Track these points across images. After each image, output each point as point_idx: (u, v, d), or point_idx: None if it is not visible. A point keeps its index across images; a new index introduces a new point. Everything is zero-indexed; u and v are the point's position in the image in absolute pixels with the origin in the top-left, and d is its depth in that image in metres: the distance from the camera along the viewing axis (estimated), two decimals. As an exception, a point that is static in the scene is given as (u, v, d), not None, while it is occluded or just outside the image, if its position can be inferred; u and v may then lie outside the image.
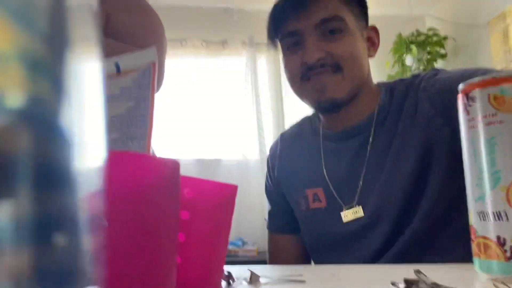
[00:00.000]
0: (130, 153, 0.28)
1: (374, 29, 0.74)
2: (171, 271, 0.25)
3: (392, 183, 0.65)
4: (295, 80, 0.70)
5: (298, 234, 0.77)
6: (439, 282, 0.35)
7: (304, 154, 0.76)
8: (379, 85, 0.73)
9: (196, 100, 2.68)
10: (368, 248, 0.66)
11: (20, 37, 0.08)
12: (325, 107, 0.69)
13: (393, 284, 0.37)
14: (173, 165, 0.25)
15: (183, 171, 0.26)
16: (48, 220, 0.08)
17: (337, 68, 0.66)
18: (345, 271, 0.51)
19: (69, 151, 0.09)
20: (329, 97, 0.67)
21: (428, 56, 2.66)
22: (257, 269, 0.46)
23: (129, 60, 0.32)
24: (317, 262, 0.76)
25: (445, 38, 2.67)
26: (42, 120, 0.08)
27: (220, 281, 0.38)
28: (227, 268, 0.43)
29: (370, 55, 0.72)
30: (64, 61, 0.09)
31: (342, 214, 0.68)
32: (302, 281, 0.42)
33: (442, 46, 2.67)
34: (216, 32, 2.76)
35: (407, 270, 0.40)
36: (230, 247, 2.43)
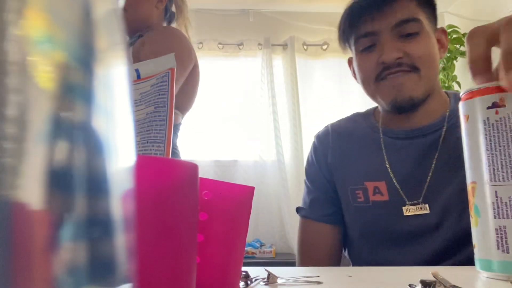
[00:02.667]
0: (151, 156, 0.28)
1: (443, 31, 0.75)
2: (191, 271, 0.25)
3: (464, 188, 0.66)
4: (370, 80, 0.72)
5: (338, 225, 0.77)
6: (459, 285, 0.35)
7: (362, 148, 0.77)
8: (446, 92, 0.76)
9: (212, 102, 2.70)
10: (428, 249, 0.66)
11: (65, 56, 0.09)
12: (402, 105, 0.70)
13: (410, 286, 0.37)
14: (192, 168, 0.26)
15: (201, 173, 0.27)
16: (95, 220, 0.09)
17: (414, 68, 0.68)
18: (362, 272, 0.50)
19: (110, 158, 0.10)
20: (407, 95, 0.69)
21: (448, 54, 2.61)
22: (274, 269, 0.46)
23: (149, 66, 0.33)
24: (365, 255, 0.75)
25: (464, 35, 2.61)
26: (91, 131, 0.09)
27: (238, 282, 0.39)
28: (244, 268, 0.43)
29: (440, 57, 0.74)
30: (97, 68, 0.10)
31: (404, 208, 0.69)
32: (320, 282, 0.42)
33: (462, 43, 2.62)
34: (232, 34, 2.78)
35: (426, 272, 0.39)
36: (247, 248, 2.44)
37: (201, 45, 2.72)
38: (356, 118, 0.82)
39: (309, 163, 0.83)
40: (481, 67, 0.42)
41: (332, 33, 2.78)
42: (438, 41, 0.73)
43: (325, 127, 0.84)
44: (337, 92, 2.74)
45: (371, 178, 0.73)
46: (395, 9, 0.69)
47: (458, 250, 0.65)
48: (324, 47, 2.76)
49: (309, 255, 0.78)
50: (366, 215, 0.73)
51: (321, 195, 0.79)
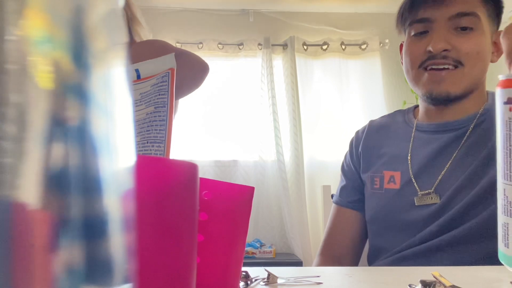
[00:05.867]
0: (151, 157, 0.28)
1: None
2: (191, 271, 0.25)
3: (474, 183, 0.67)
4: (413, 66, 0.73)
5: (362, 212, 0.81)
6: (459, 285, 0.35)
7: (392, 140, 0.79)
8: (488, 91, 0.77)
9: (213, 102, 2.70)
10: (426, 234, 0.68)
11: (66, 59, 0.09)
12: (438, 98, 0.71)
13: (410, 286, 0.37)
14: (192, 168, 0.26)
15: (201, 173, 0.27)
16: (95, 220, 0.09)
17: (458, 63, 0.69)
18: (362, 273, 0.51)
19: (110, 158, 0.10)
20: (444, 89, 0.69)
21: None
22: (274, 269, 0.46)
23: (149, 66, 0.33)
24: (371, 239, 0.78)
25: None
26: (91, 131, 0.09)
27: (238, 281, 0.39)
28: (244, 269, 0.43)
29: (493, 60, 0.74)
30: (97, 69, 0.10)
31: (416, 198, 0.70)
32: (320, 283, 0.42)
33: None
34: (232, 34, 2.78)
35: (426, 272, 0.39)
36: (247, 248, 2.44)
37: (201, 45, 2.72)
38: (395, 114, 0.85)
39: (345, 156, 0.87)
40: None
41: (332, 33, 2.78)
42: (495, 44, 0.73)
43: (366, 124, 0.88)
44: (337, 92, 2.74)
45: (390, 168, 0.76)
46: (456, 0, 0.68)
47: (452, 232, 0.66)
48: (324, 47, 2.76)
49: (333, 238, 0.82)
50: (377, 201, 0.76)
51: (349, 183, 0.83)
